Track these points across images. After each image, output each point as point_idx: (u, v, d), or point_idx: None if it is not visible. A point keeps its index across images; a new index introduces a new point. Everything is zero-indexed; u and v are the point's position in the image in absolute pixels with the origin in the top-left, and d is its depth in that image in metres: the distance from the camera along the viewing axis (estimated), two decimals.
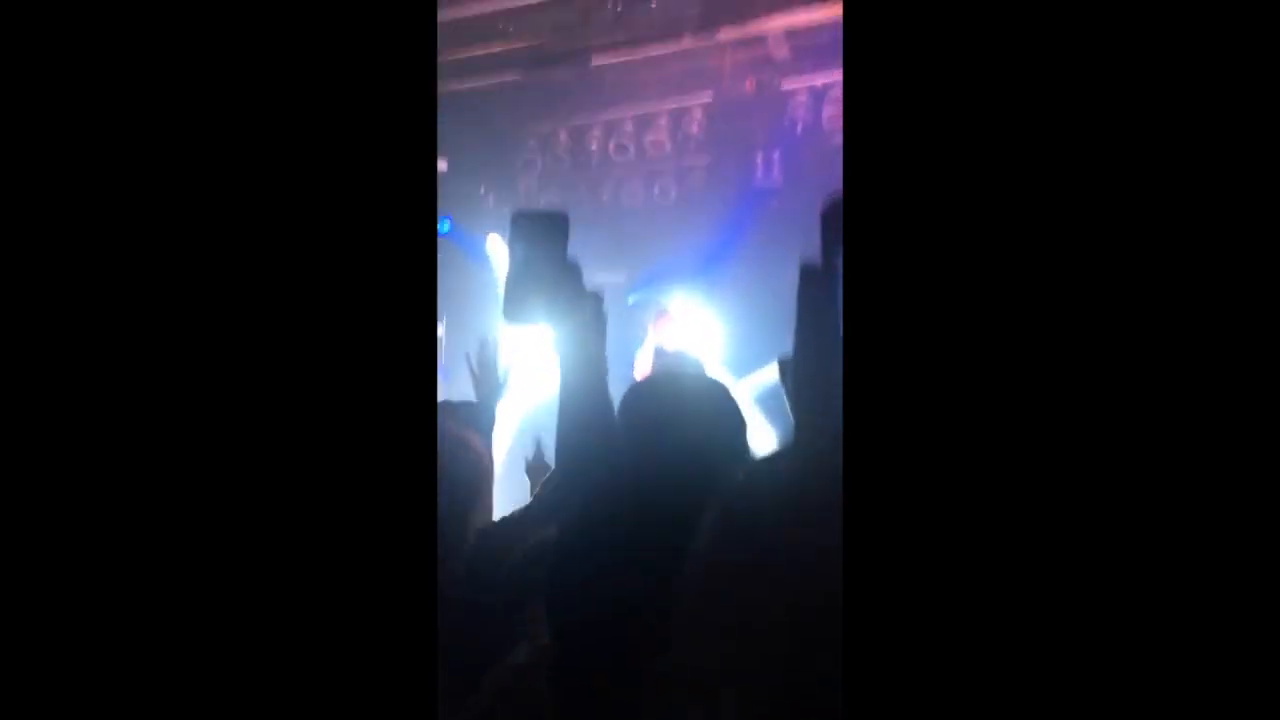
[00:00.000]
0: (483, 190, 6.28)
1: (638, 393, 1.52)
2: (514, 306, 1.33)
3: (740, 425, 1.51)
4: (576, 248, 1.42)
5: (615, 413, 1.42)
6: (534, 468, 2.54)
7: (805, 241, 1.35)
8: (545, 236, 1.39)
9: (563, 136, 5.81)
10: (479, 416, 2.22)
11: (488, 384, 2.29)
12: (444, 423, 1.79)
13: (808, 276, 1.33)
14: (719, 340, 4.55)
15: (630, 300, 4.82)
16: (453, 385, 3.02)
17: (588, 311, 1.37)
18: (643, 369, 3.84)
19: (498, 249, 5.68)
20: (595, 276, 1.46)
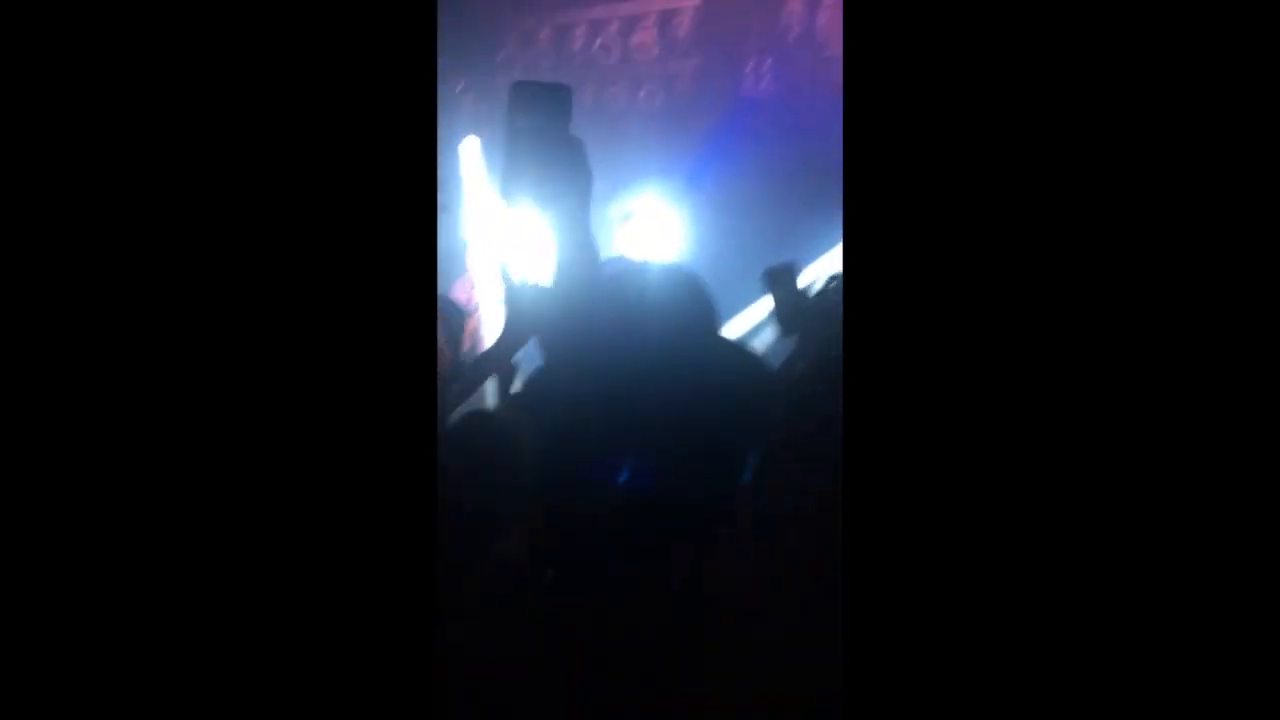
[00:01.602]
0: (460, 86, 6.04)
1: (615, 278, 1.52)
2: (513, 184, 1.24)
3: (713, 309, 1.54)
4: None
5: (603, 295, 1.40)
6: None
7: (793, 153, 1.31)
8: (548, 108, 1.29)
9: (545, 34, 5.58)
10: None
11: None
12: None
13: None
14: (690, 248, 4.50)
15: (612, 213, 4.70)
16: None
17: (585, 190, 1.31)
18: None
19: (471, 152, 5.46)
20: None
